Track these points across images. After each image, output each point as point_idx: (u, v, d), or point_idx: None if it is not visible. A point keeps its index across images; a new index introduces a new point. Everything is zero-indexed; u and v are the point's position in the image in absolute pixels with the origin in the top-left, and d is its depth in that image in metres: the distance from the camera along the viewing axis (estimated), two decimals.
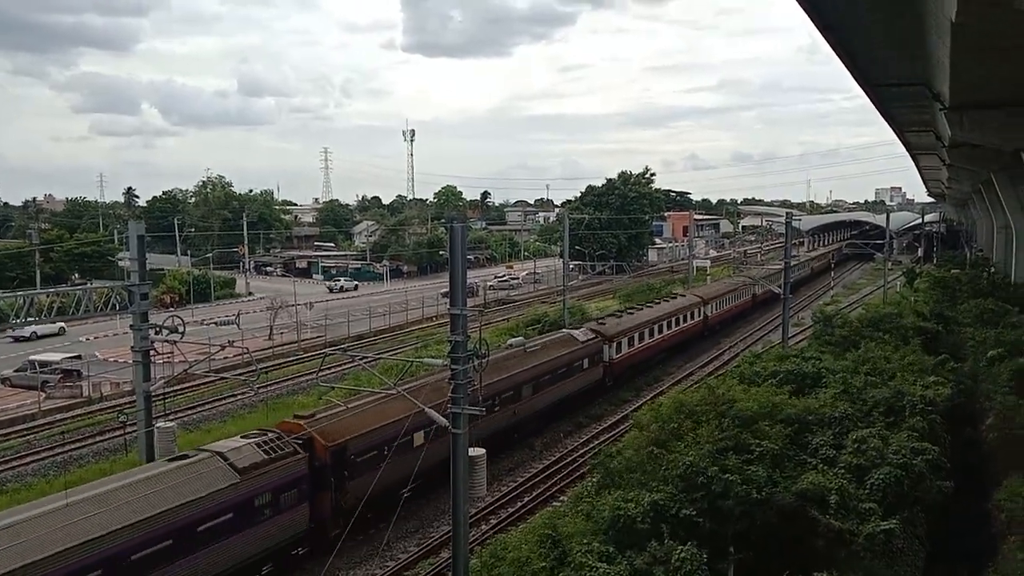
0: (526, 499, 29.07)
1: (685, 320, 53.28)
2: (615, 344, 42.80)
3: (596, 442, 34.93)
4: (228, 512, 20.22)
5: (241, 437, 22.99)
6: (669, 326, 50.51)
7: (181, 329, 25.66)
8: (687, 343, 54.51)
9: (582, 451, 33.90)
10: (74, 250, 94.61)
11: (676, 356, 52.59)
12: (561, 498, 28.46)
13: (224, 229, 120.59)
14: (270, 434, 23.04)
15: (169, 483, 19.44)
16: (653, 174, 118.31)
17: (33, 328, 65.43)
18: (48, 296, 30.27)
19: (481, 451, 17.12)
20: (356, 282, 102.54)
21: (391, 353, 50.60)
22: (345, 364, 44.98)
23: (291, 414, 26.64)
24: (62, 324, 67.89)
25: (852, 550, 17.02)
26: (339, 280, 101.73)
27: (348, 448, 23.87)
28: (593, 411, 40.08)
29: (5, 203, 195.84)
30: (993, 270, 69.58)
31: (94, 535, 17.21)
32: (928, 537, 20.02)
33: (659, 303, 53.96)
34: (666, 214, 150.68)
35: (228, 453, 21.27)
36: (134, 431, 29.47)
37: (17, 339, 63.51)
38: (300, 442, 23.07)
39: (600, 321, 45.54)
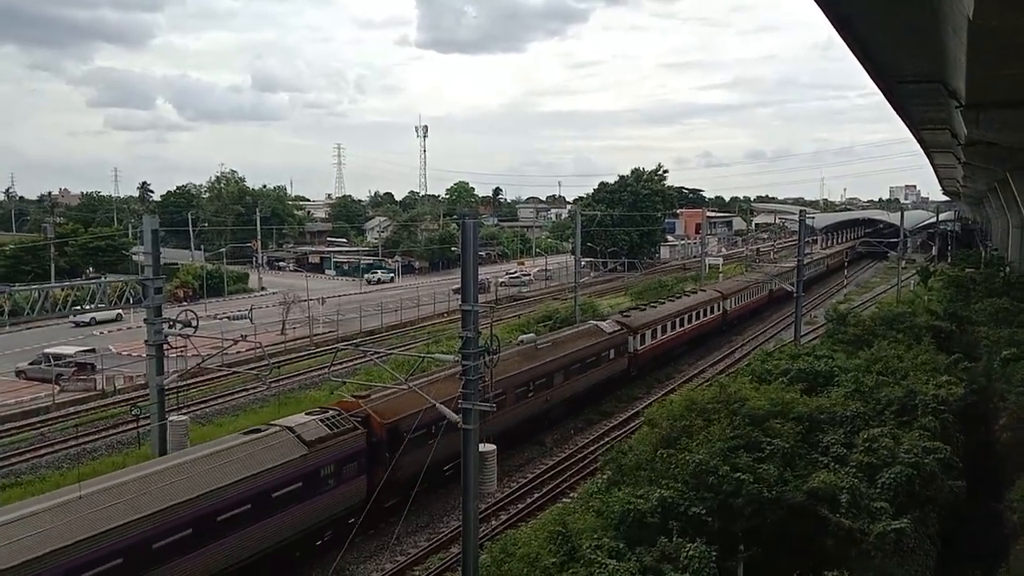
0: (536, 495, 29.11)
1: (706, 314, 54.62)
2: (639, 336, 44.32)
3: (607, 439, 34.95)
4: (298, 481, 21.83)
5: (306, 414, 24.62)
6: (690, 319, 51.84)
7: (194, 323, 25.82)
8: (707, 336, 55.93)
9: (592, 448, 33.92)
10: (89, 244, 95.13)
11: (697, 348, 54.13)
12: (571, 494, 28.49)
13: (237, 224, 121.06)
14: (331, 411, 24.78)
15: (247, 453, 20.89)
16: (666, 171, 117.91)
17: (92, 314, 70.70)
18: (63, 290, 30.54)
19: (491, 447, 17.15)
20: (392, 274, 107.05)
21: (402, 349, 50.76)
22: (357, 359, 45.19)
23: (338, 397, 27.10)
24: (119, 311, 71.82)
25: (863, 549, 16.97)
26: (376, 272, 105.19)
27: (401, 426, 24.77)
28: (605, 407, 40.11)
29: (21, 197, 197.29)
30: (1008, 269, 69.06)
31: (185, 498, 18.87)
32: (939, 537, 19.92)
33: (681, 297, 55.83)
34: (678, 211, 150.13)
35: (296, 427, 22.89)
36: (147, 424, 29.68)
37: (78, 324, 66.48)
38: (359, 419, 24.66)
39: (625, 314, 47.29)
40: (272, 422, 24.06)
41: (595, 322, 44.23)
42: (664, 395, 39.42)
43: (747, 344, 56.92)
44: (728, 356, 53.35)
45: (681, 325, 50.25)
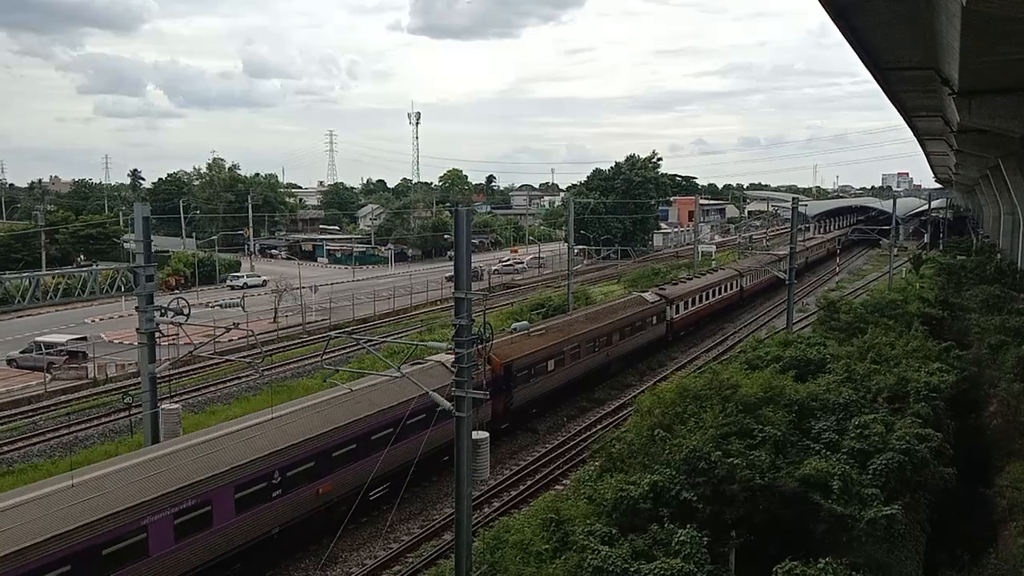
0: (529, 482, 29.19)
1: (727, 290, 61.44)
2: (675, 306, 50.95)
3: (599, 427, 35.05)
4: (451, 400, 23.55)
5: (446, 353, 27.90)
6: (715, 293, 58.81)
7: (186, 311, 25.73)
8: (728, 309, 62.38)
9: (585, 435, 34.01)
10: (80, 232, 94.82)
11: (718, 320, 60.06)
12: (564, 482, 28.58)
13: (229, 212, 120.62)
14: None
15: (417, 377, 24.31)
16: (660, 159, 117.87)
17: (244, 280, 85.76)
18: (54, 277, 30.39)
19: (484, 434, 17.16)
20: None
21: (395, 336, 50.74)
22: (350, 347, 45.14)
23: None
24: (265, 277, 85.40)
25: (854, 535, 17.05)
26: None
27: (513, 365, 32.92)
28: (596, 395, 40.24)
29: (11, 184, 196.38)
30: (999, 256, 69.38)
31: (389, 404, 25.56)
32: (930, 522, 20.06)
33: (705, 275, 62.60)
34: (672, 199, 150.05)
35: (444, 361, 28.12)
36: (139, 412, 29.60)
37: (232, 287, 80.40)
38: (484, 358, 28.71)
39: (661, 287, 53.98)
40: (428, 357, 30.03)
41: (638, 293, 51.91)
42: (695, 359, 48.18)
43: (762, 316, 62.24)
44: (746, 327, 58.70)
45: (708, 298, 56.94)
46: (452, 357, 25.92)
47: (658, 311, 48.39)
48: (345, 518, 20.78)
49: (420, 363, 29.00)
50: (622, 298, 50.83)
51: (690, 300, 53.51)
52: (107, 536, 17.32)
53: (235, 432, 21.79)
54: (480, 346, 30.05)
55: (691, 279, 59.12)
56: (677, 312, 50.94)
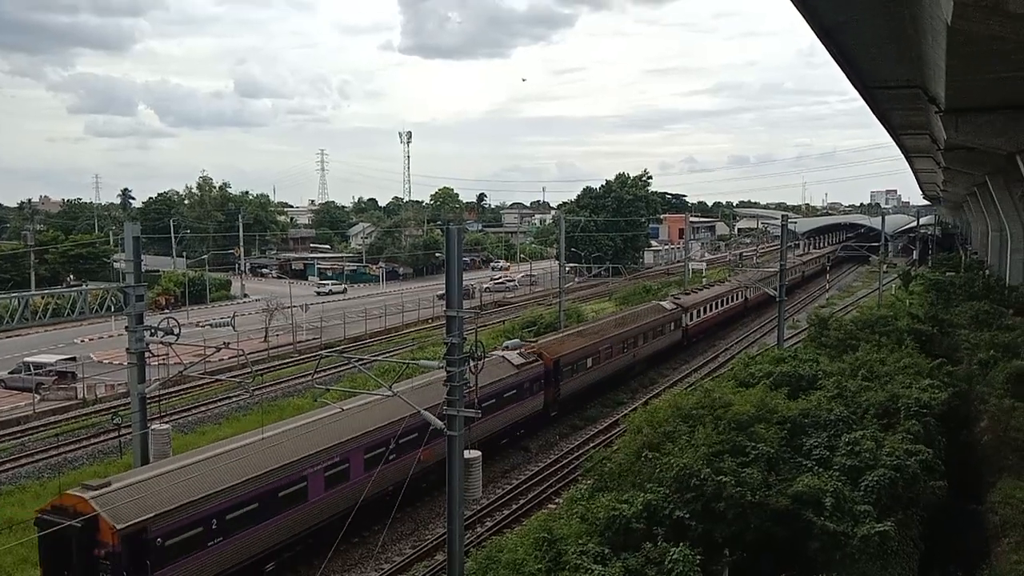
0: (521, 501, 29.05)
1: (733, 300, 65.04)
2: (690, 313, 54.96)
3: (590, 445, 34.96)
4: (513, 389, 33.54)
5: (505, 352, 35.83)
6: (724, 303, 62.69)
7: (176, 331, 25.58)
8: (734, 318, 66.04)
9: (577, 454, 33.91)
10: (69, 251, 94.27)
11: (723, 329, 63.31)
12: (556, 500, 28.45)
13: (219, 231, 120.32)
14: (518, 350, 36.00)
15: (492, 366, 32.23)
16: (650, 177, 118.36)
17: (329, 286, 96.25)
18: (43, 297, 30.23)
19: (476, 453, 17.10)
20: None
21: (387, 355, 50.59)
22: (341, 366, 44.97)
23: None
24: (344, 286, 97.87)
25: (847, 552, 17.03)
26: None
27: (561, 361, 37.43)
28: (588, 414, 40.17)
29: (1, 204, 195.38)
30: (988, 272, 69.73)
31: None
32: (922, 539, 20.05)
33: (712, 286, 66.71)
34: (662, 216, 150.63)
35: (507, 355, 34.75)
36: (129, 433, 29.39)
37: (319, 292, 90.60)
38: (537, 354, 36.26)
39: (676, 296, 58.35)
40: (494, 350, 36.11)
41: (657, 301, 56.54)
42: (709, 361, 52.67)
43: (754, 333, 63.36)
44: (749, 336, 62.02)
45: (717, 307, 61.00)
46: (509, 354, 34.51)
47: (675, 318, 52.37)
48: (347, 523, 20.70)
49: (488, 356, 33.46)
50: (643, 305, 56.11)
51: (702, 309, 57.81)
52: (283, 482, 21.81)
53: (364, 405, 25.57)
54: (533, 343, 37.40)
55: (701, 290, 63.66)
56: (691, 319, 55.01)
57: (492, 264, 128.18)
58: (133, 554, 17.91)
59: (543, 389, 35.79)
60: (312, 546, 23.34)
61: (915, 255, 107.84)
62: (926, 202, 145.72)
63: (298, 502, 22.28)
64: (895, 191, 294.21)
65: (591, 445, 34.34)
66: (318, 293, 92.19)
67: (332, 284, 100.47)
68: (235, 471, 20.91)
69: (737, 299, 66.00)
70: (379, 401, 24.61)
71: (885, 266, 70.15)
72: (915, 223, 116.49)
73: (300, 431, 23.75)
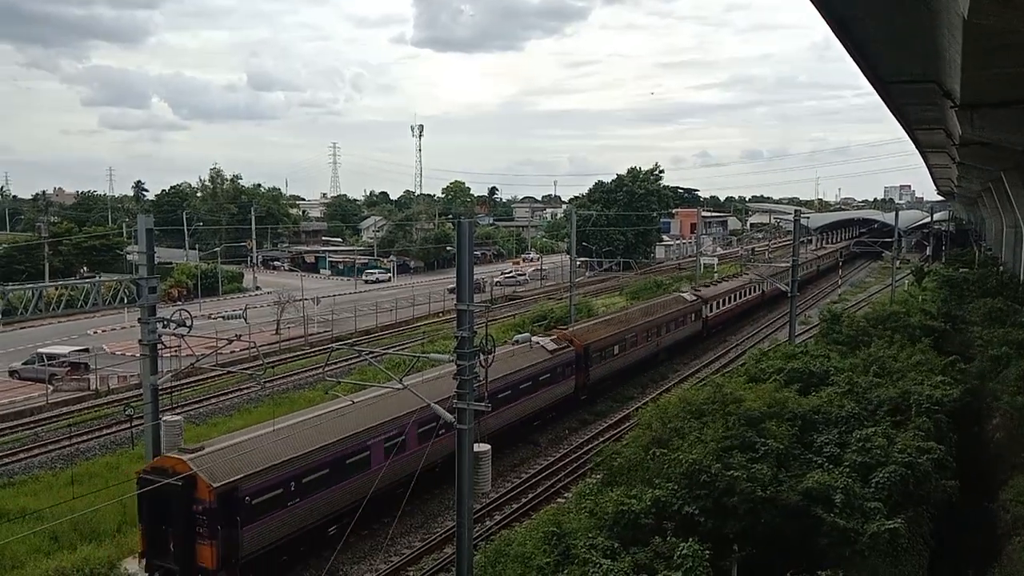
0: (530, 495, 29.08)
1: (751, 292, 66.29)
2: (709, 305, 56.56)
3: (600, 440, 34.95)
4: (547, 373, 35.78)
5: (541, 337, 39.13)
6: (742, 295, 64.26)
7: (188, 323, 25.67)
8: (752, 310, 67.34)
9: (586, 448, 33.92)
10: (83, 243, 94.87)
11: (740, 321, 64.48)
12: (565, 495, 28.46)
13: (232, 224, 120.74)
14: (554, 336, 39.12)
15: (527, 352, 35.37)
16: (662, 171, 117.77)
17: (376, 275, 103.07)
18: (57, 289, 30.41)
19: (486, 447, 17.11)
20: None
21: (397, 348, 50.68)
22: (352, 359, 45.10)
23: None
24: (390, 275, 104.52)
25: (857, 549, 16.96)
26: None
27: (591, 347, 39.52)
28: (598, 408, 40.14)
29: (15, 196, 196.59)
30: (1002, 269, 69.26)
31: (510, 371, 32.72)
32: (933, 536, 19.94)
33: (731, 279, 68.21)
34: (674, 211, 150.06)
35: (542, 342, 37.25)
36: (141, 424, 29.54)
37: (367, 281, 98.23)
38: (568, 340, 38.41)
39: (696, 289, 59.65)
40: (526, 339, 37.85)
41: (679, 293, 57.86)
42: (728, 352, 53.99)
43: (765, 328, 63.63)
44: (764, 329, 63.11)
45: (735, 299, 62.55)
46: (544, 340, 37.32)
47: (695, 309, 54.15)
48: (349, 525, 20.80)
49: (520, 342, 36.65)
50: (666, 296, 57.55)
51: (722, 300, 59.43)
52: (350, 450, 23.88)
53: (420, 382, 25.76)
54: (565, 329, 40.07)
55: (720, 283, 65.44)
56: (711, 311, 56.69)
57: (524, 256, 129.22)
58: (226, 510, 20.04)
59: (574, 374, 37.90)
60: (370, 513, 23.98)
61: (928, 251, 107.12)
62: (940, 198, 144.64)
63: (362, 470, 24.21)
64: (909, 186, 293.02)
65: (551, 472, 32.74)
66: (366, 282, 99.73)
67: (379, 273, 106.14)
68: (310, 439, 22.90)
69: (755, 292, 66.92)
70: (432, 380, 26.17)
71: (898, 262, 69.74)
72: (929, 219, 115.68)
73: (364, 404, 25.79)
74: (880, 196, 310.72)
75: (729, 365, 47.52)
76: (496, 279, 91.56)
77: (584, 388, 39.04)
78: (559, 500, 28.07)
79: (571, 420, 38.21)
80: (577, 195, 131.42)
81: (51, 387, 42.75)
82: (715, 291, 59.66)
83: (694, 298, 55.15)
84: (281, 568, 22.51)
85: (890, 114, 47.33)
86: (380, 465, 23.92)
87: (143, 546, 20.96)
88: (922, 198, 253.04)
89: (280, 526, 21.57)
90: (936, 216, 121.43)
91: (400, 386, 20.17)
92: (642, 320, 46.43)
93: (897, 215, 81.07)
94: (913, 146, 68.54)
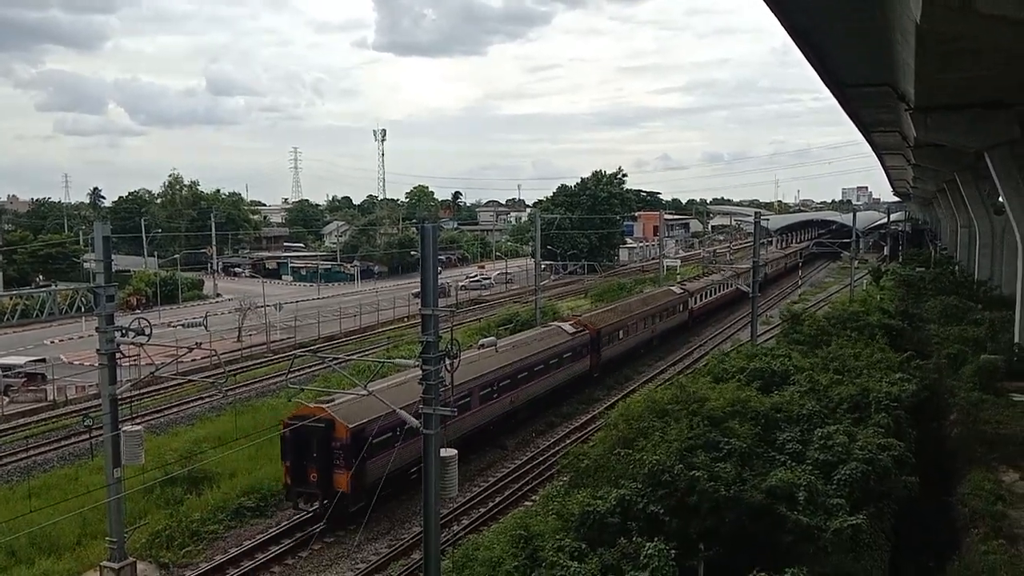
0: (498, 499, 29.03)
1: (727, 287, 69.81)
2: (694, 297, 62.73)
3: (567, 442, 34.98)
4: (568, 352, 40.93)
5: (560, 322, 44.81)
6: (721, 289, 69.16)
7: (148, 331, 25.24)
8: (728, 304, 71.55)
9: (554, 451, 33.93)
10: (38, 252, 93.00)
11: (719, 312, 69.44)
12: (533, 498, 28.46)
13: (191, 230, 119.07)
14: (570, 321, 44.65)
15: (550, 333, 41.43)
16: (625, 175, 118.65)
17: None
18: (12, 298, 29.75)
19: (452, 451, 17.04)
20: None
21: (362, 354, 50.33)
22: (316, 366, 44.69)
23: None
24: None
25: (820, 545, 17.18)
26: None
27: (602, 332, 44.98)
28: (564, 410, 40.26)
29: None
30: (957, 268, 70.76)
31: (535, 352, 38.02)
32: (894, 531, 20.28)
33: (711, 275, 73.33)
34: (637, 214, 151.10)
35: (562, 325, 43.19)
36: (100, 435, 28.96)
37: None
38: (584, 325, 43.92)
39: (683, 283, 67.24)
40: (550, 322, 45.87)
41: (668, 286, 64.34)
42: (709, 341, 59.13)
43: (728, 329, 64.84)
44: (740, 321, 65.42)
45: (715, 294, 68.02)
46: (563, 324, 42.93)
47: (682, 300, 60.03)
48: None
49: (548, 326, 43.34)
50: (658, 289, 63.85)
51: (704, 294, 65.48)
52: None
53: (473, 359, 31.50)
54: (579, 316, 45.33)
55: (701, 278, 72.45)
56: (696, 303, 62.74)
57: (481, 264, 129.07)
58: (357, 446, 24.23)
59: (589, 354, 43.33)
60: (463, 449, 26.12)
61: (886, 251, 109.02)
62: (897, 199, 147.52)
63: (459, 414, 26.85)
64: (866, 188, 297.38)
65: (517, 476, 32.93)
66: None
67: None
68: (416, 391, 23.59)
69: (731, 288, 70.96)
70: (504, 350, 35.35)
71: (856, 262, 70.88)
72: (886, 219, 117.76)
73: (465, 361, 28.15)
74: (838, 198, 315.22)
75: (709, 352, 50.12)
76: (461, 283, 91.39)
77: (597, 367, 44.45)
78: (527, 503, 28.06)
79: (581, 396, 42.76)
80: (541, 199, 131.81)
81: (7, 399, 41.79)
82: (698, 285, 66.78)
83: (681, 291, 61.47)
84: (383, 499, 25.29)
85: (847, 117, 48.17)
86: (476, 409, 32.23)
87: (286, 478, 25.94)
88: (879, 199, 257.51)
89: (388, 463, 24.32)
90: (893, 217, 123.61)
91: (366, 393, 20.08)
92: (640, 309, 52.53)
93: (855, 216, 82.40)
94: (870, 149, 69.88)
